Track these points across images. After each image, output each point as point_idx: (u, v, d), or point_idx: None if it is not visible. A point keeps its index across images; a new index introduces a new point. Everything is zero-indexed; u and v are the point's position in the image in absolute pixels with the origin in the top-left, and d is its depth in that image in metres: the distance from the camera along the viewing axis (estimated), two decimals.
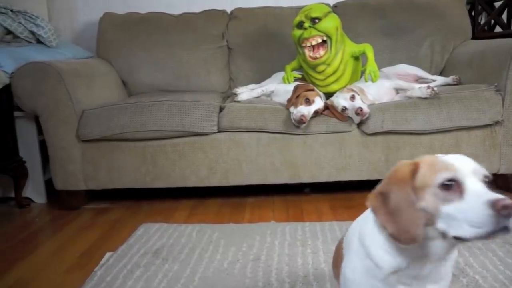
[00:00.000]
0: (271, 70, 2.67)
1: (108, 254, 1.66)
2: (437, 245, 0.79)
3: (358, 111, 2.03)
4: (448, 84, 2.38)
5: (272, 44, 2.78)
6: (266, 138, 2.16)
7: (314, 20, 2.18)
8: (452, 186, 0.75)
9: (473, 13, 3.05)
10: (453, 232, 0.74)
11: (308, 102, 2.08)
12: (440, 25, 2.72)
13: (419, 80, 2.48)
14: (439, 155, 0.81)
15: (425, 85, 2.19)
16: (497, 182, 2.28)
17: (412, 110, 2.09)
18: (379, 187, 0.83)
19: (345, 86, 2.25)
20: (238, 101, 2.27)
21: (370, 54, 2.29)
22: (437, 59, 2.71)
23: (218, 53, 2.84)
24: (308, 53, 2.22)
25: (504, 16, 3.01)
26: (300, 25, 2.22)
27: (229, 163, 2.18)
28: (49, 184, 2.38)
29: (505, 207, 0.70)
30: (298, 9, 2.41)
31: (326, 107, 2.16)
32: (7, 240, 1.92)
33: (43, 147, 2.33)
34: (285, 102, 2.18)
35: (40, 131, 2.30)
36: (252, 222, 1.95)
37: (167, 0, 3.09)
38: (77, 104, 2.21)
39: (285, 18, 2.73)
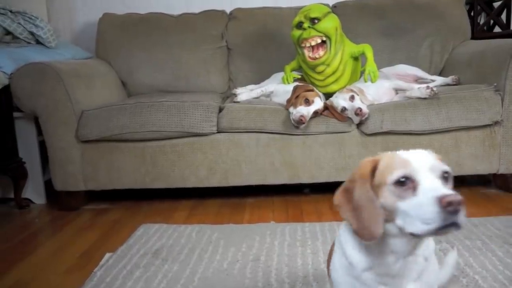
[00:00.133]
0: (270, 70, 2.67)
1: (107, 255, 1.66)
2: (399, 242, 0.81)
3: (358, 112, 2.03)
4: (448, 84, 2.38)
5: (271, 45, 2.78)
6: (265, 138, 2.16)
7: (313, 21, 2.18)
8: (406, 183, 0.77)
9: (472, 13, 3.06)
10: (408, 228, 0.76)
11: (308, 102, 2.08)
12: (439, 25, 2.72)
13: (418, 80, 2.48)
14: (400, 152, 0.82)
15: (425, 85, 2.19)
16: (497, 182, 2.29)
17: (411, 110, 2.09)
18: (344, 184, 0.85)
19: (344, 87, 2.25)
20: (238, 102, 2.26)
21: (370, 54, 2.30)
22: (437, 59, 2.72)
23: (218, 54, 2.84)
24: (307, 53, 2.22)
25: (503, 16, 3.02)
26: (299, 26, 2.22)
27: (229, 163, 2.18)
28: (48, 185, 2.38)
29: (450, 203, 0.70)
30: (297, 10, 2.41)
31: (326, 107, 2.16)
32: (7, 241, 1.92)
33: (42, 147, 2.33)
34: (285, 103, 2.18)
35: (39, 132, 2.30)
36: (251, 223, 1.94)
37: (166, 1, 3.09)
38: (76, 104, 2.21)
39: (285, 18, 2.73)
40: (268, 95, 2.40)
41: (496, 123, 2.10)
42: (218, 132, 2.18)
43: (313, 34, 2.17)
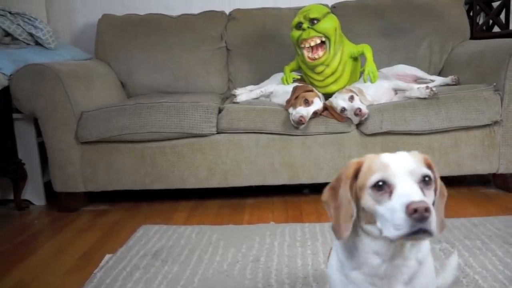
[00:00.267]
0: (269, 71, 2.67)
1: (107, 256, 1.66)
2: (380, 244, 0.81)
3: (357, 112, 2.03)
4: (447, 84, 2.38)
5: (270, 45, 2.78)
6: (265, 139, 2.16)
7: (312, 21, 2.18)
8: (383, 188, 0.77)
9: (471, 13, 3.06)
10: (384, 231, 0.76)
11: (307, 103, 2.09)
12: (438, 25, 2.72)
13: (417, 80, 2.48)
14: (382, 155, 0.82)
15: (424, 85, 2.19)
16: (496, 182, 2.29)
17: (411, 110, 2.09)
18: (331, 182, 0.87)
19: (344, 87, 2.25)
20: (237, 102, 2.26)
21: (369, 54, 2.30)
22: (436, 59, 2.72)
23: (217, 54, 2.84)
24: (306, 54, 2.22)
25: (502, 16, 3.02)
26: (298, 26, 2.22)
27: (228, 164, 2.18)
28: (48, 186, 2.38)
29: (416, 210, 0.71)
30: (296, 10, 2.41)
31: (325, 108, 2.16)
32: (7, 242, 1.92)
33: (42, 149, 2.33)
34: (284, 103, 2.18)
35: (39, 133, 2.30)
36: (251, 223, 1.94)
37: (165, 1, 3.09)
38: (76, 105, 2.21)
39: (284, 19, 2.73)
40: (268, 95, 2.40)
41: (496, 123, 2.10)
42: (218, 133, 2.18)
43: (312, 34, 2.17)
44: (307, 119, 2.06)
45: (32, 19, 2.56)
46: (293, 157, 2.16)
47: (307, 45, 2.20)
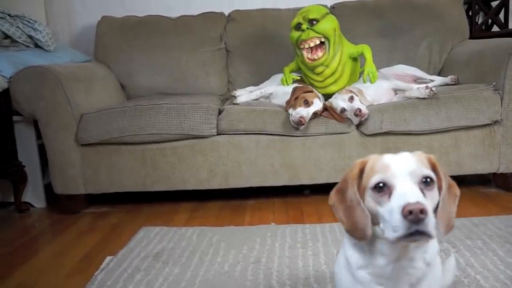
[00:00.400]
0: (269, 72, 2.67)
1: (108, 258, 1.65)
2: (385, 245, 0.81)
3: (357, 112, 2.03)
4: (447, 84, 2.38)
5: (270, 46, 2.78)
6: (265, 140, 2.16)
7: (312, 22, 2.18)
8: (383, 189, 0.77)
9: (470, 13, 3.06)
10: (385, 233, 0.76)
11: (307, 103, 2.09)
12: (437, 25, 2.73)
13: (417, 80, 2.48)
14: (385, 155, 0.82)
15: (424, 85, 2.19)
16: (497, 181, 2.29)
17: (410, 110, 2.09)
18: (338, 185, 0.87)
19: (343, 87, 2.25)
20: (237, 104, 2.26)
21: (368, 55, 2.30)
22: (435, 59, 2.72)
23: (216, 56, 2.84)
24: (306, 54, 2.22)
25: (501, 16, 3.02)
26: (298, 27, 2.22)
27: (229, 165, 2.18)
28: (48, 189, 2.38)
29: (410, 212, 0.71)
30: (295, 11, 2.41)
31: (325, 108, 2.16)
32: (7, 245, 1.92)
33: (42, 151, 2.33)
34: (284, 104, 2.18)
35: (39, 136, 2.30)
36: (252, 225, 1.94)
37: (164, 3, 3.09)
38: (76, 108, 2.21)
39: (283, 20, 2.73)
40: (268, 96, 2.40)
41: (496, 122, 2.10)
42: (218, 134, 2.18)
43: (311, 35, 2.17)
44: (307, 119, 2.06)
45: (31, 21, 2.56)
46: (293, 158, 2.16)
47: (306, 46, 2.20)
